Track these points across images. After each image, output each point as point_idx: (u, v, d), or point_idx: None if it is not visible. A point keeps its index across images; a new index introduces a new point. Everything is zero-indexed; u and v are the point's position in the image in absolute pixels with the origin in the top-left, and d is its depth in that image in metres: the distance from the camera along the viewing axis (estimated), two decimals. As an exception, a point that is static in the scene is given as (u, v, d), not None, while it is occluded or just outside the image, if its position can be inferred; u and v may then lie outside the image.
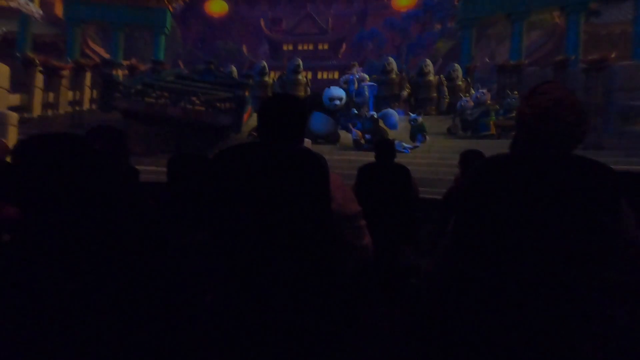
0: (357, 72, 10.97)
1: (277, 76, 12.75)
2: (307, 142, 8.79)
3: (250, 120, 10.07)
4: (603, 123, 8.27)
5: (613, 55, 8.84)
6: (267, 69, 12.21)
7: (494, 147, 6.59)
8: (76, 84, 11.00)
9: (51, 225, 0.86)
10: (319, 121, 8.89)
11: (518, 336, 0.84)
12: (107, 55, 15.44)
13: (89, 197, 1.04)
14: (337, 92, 9.14)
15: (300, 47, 25.76)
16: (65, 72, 10.87)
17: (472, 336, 0.88)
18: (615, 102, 8.89)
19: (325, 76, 22.68)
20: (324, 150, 8.97)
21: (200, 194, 1.86)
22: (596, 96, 8.27)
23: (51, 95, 10.49)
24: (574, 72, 9.28)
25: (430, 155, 8.32)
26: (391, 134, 9.00)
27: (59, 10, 15.00)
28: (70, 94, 11.09)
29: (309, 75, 14.03)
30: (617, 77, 9.03)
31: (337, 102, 9.05)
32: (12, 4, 11.05)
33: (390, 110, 10.01)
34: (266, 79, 12.05)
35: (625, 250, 0.89)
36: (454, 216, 0.98)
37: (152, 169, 6.95)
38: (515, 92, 9.25)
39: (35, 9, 11.61)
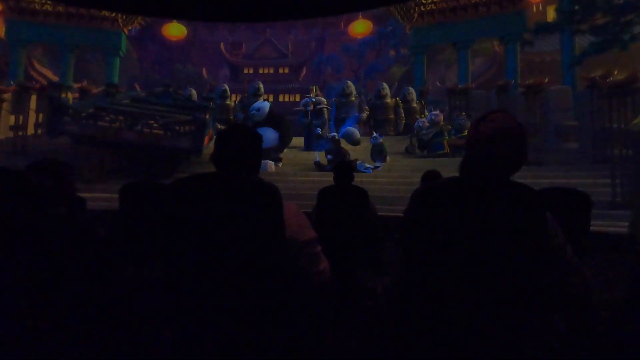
0: (314, 96, 11.34)
1: (238, 99, 12.74)
2: (271, 165, 8.79)
3: (211, 143, 9.91)
4: (543, 141, 9.08)
5: (546, 81, 9.85)
6: (228, 92, 12.18)
7: (449, 164, 6.95)
8: (19, 107, 10.26)
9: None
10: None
11: (466, 347, 0.89)
12: (55, 78, 14.62)
13: (26, 234, 0.99)
14: (258, 105, 9.81)
15: (261, 71, 26.04)
16: (7, 96, 10.14)
17: (425, 353, 0.92)
18: (551, 121, 9.83)
19: (287, 99, 22.98)
20: (288, 172, 9.01)
21: (152, 224, 1.79)
22: (535, 116, 9.11)
23: (-11, 120, 9.73)
24: (514, 95, 10.18)
25: (391, 174, 8.61)
26: (353, 154, 9.26)
27: (1, 30, 14.09)
28: (12, 118, 10.32)
29: (271, 98, 14.14)
30: (551, 100, 10.03)
31: (254, 112, 9.56)
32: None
33: (351, 129, 10.33)
34: (227, 102, 12.00)
35: (556, 260, 0.98)
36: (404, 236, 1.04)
37: (104, 196, 6.58)
38: (464, 114, 9.99)
39: (-27, 30, 10.83)
